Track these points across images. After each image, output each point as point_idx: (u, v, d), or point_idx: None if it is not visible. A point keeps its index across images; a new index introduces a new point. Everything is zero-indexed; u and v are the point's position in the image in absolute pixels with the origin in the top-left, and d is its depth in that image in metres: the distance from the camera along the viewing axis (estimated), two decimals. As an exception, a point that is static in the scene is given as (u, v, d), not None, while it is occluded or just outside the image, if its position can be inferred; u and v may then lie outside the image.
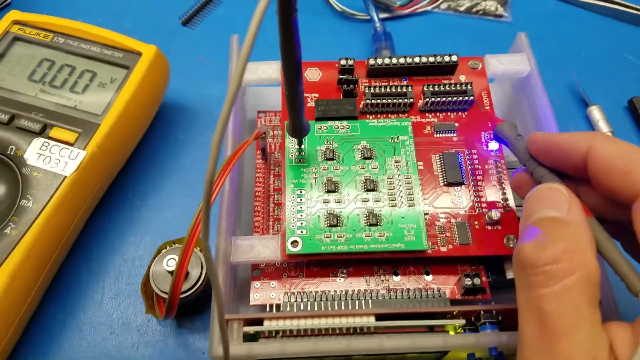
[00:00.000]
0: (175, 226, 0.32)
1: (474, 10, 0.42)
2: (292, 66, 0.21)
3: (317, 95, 0.32)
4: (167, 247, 0.28)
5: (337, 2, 0.42)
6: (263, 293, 0.27)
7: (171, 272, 0.26)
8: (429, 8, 0.43)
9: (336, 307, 0.26)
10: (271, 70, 0.33)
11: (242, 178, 0.33)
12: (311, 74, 0.33)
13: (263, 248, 0.27)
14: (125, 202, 0.33)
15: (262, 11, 0.15)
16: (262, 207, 0.31)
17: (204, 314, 0.30)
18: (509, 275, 0.28)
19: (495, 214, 0.27)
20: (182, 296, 0.26)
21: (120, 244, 0.31)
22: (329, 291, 0.27)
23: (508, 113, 0.35)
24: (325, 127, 0.30)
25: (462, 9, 0.43)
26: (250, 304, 0.27)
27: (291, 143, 0.29)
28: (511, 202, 0.28)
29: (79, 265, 0.30)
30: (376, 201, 0.28)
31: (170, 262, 0.26)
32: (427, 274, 0.28)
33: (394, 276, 0.28)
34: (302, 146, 0.29)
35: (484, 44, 0.41)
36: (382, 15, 0.41)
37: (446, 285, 0.28)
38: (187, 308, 0.28)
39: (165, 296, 0.26)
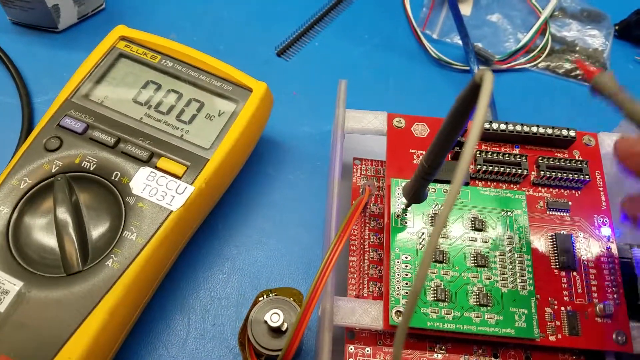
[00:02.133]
0: (262, 268, 0.32)
1: (573, 74, 0.41)
2: (447, 148, 0.20)
3: (423, 152, 0.31)
4: (264, 297, 0.27)
5: (434, 48, 0.41)
6: (357, 358, 0.27)
7: (273, 328, 0.25)
8: (527, 65, 0.42)
9: (442, 391, 0.25)
10: (377, 121, 0.32)
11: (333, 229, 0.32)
12: (418, 130, 0.32)
13: (364, 313, 0.26)
14: (215, 236, 0.32)
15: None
16: (357, 263, 0.30)
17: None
18: (611, 370, 0.27)
19: (609, 308, 0.26)
20: (279, 352, 0.25)
21: (207, 280, 0.31)
22: (427, 366, 0.26)
23: (611, 193, 0.33)
24: (433, 190, 0.29)
25: (560, 71, 0.41)
26: (345, 369, 0.26)
27: (397, 202, 0.29)
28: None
29: (165, 298, 0.30)
30: (487, 279, 0.27)
31: (274, 317, 0.25)
32: (527, 359, 0.27)
33: (493, 358, 0.27)
34: (409, 207, 0.28)
35: (582, 111, 0.40)
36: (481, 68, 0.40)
37: (547, 374, 0.27)
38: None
39: (263, 351, 0.25)
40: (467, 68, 0.40)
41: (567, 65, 0.42)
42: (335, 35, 0.42)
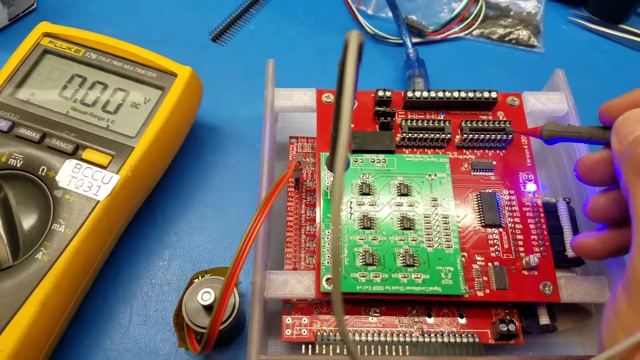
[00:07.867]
0: (204, 252, 0.32)
1: (507, 39, 0.42)
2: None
3: (352, 125, 0.31)
4: (200, 278, 0.27)
5: (369, 24, 0.42)
6: (295, 328, 0.27)
7: (206, 307, 0.25)
8: (461, 34, 0.42)
9: (372, 352, 0.26)
10: (306, 97, 0.32)
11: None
12: (347, 103, 0.32)
13: (297, 284, 0.27)
14: (154, 224, 0.32)
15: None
16: (294, 238, 0.30)
17: (233, 344, 0.29)
18: (543, 320, 0.28)
19: (534, 260, 0.27)
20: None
21: (148, 268, 0.31)
22: (362, 331, 0.27)
23: (540, 151, 0.34)
24: (361, 160, 0.30)
25: (494, 37, 0.42)
26: (283, 340, 0.27)
27: (327, 175, 0.29)
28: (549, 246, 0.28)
29: (106, 289, 0.30)
30: (412, 240, 0.27)
31: (205, 295, 0.25)
32: (461, 316, 0.28)
33: (427, 317, 0.28)
34: (338, 179, 0.29)
35: (516, 74, 0.41)
36: (414, 40, 0.41)
37: (480, 329, 0.28)
38: (218, 340, 0.28)
39: (199, 329, 0.26)
40: (401, 41, 0.40)
41: (500, 31, 0.42)
42: (270, 17, 0.42)
